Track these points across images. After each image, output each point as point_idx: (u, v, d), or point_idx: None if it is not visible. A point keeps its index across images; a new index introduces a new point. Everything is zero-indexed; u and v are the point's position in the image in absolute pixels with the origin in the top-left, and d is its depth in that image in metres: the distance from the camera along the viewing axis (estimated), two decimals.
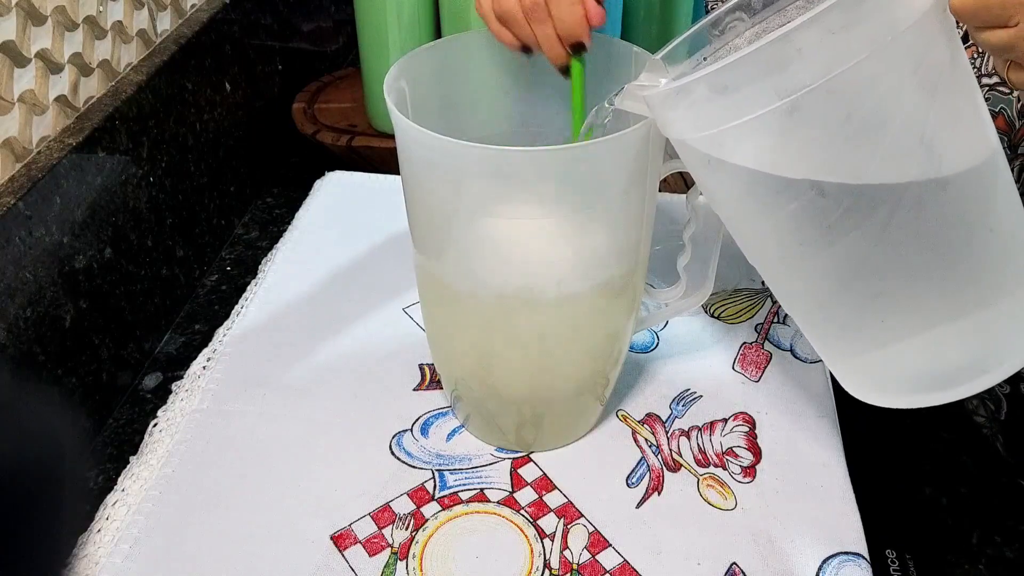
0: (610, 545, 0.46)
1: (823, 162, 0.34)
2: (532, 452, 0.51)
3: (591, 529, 0.47)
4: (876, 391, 0.40)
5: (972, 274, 0.36)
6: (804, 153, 0.35)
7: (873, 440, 0.53)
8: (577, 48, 0.44)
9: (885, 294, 0.37)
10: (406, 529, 0.47)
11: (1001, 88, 0.48)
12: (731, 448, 0.51)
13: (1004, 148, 0.43)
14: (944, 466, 0.53)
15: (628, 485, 0.49)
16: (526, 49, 0.45)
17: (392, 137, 0.45)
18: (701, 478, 0.49)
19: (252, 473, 0.50)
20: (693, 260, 0.50)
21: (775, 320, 0.60)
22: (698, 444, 0.51)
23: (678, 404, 0.54)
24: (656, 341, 0.58)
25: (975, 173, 0.35)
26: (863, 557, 0.45)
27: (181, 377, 0.56)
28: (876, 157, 0.34)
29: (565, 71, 0.45)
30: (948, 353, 0.38)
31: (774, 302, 0.61)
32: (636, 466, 0.50)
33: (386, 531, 0.47)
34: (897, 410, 0.56)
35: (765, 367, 0.56)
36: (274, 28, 0.83)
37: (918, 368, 0.38)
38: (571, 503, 0.48)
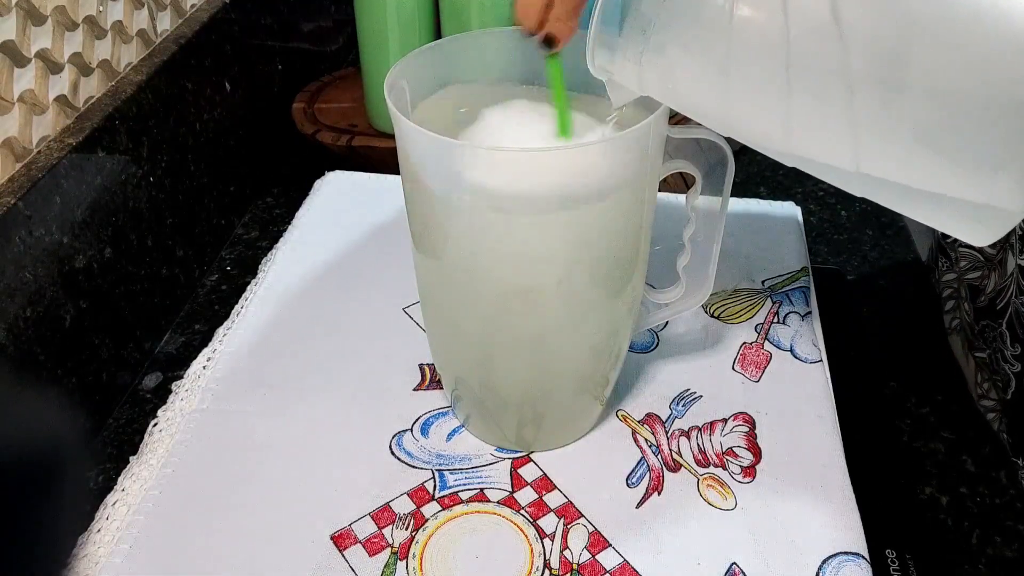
0: (610, 545, 0.46)
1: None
2: (532, 452, 0.51)
3: (591, 529, 0.47)
4: (1000, 227, 0.38)
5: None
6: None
7: (873, 440, 0.53)
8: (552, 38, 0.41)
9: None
10: (406, 529, 0.47)
11: None
12: (731, 448, 0.51)
13: None
14: (944, 466, 0.53)
15: (628, 485, 0.49)
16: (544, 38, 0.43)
17: (392, 137, 0.45)
18: (701, 478, 0.49)
19: (252, 473, 0.50)
20: (693, 260, 0.50)
21: (775, 320, 0.60)
22: (698, 444, 0.51)
23: (678, 404, 0.54)
24: (656, 341, 0.58)
25: None
26: (863, 557, 0.45)
27: (181, 377, 0.56)
28: None
29: (551, 41, 0.41)
30: None
31: (774, 302, 0.61)
32: (636, 466, 0.50)
33: (386, 531, 0.47)
34: (896, 409, 0.56)
35: (765, 367, 0.56)
36: (274, 28, 0.83)
37: None
38: (571, 503, 0.48)
